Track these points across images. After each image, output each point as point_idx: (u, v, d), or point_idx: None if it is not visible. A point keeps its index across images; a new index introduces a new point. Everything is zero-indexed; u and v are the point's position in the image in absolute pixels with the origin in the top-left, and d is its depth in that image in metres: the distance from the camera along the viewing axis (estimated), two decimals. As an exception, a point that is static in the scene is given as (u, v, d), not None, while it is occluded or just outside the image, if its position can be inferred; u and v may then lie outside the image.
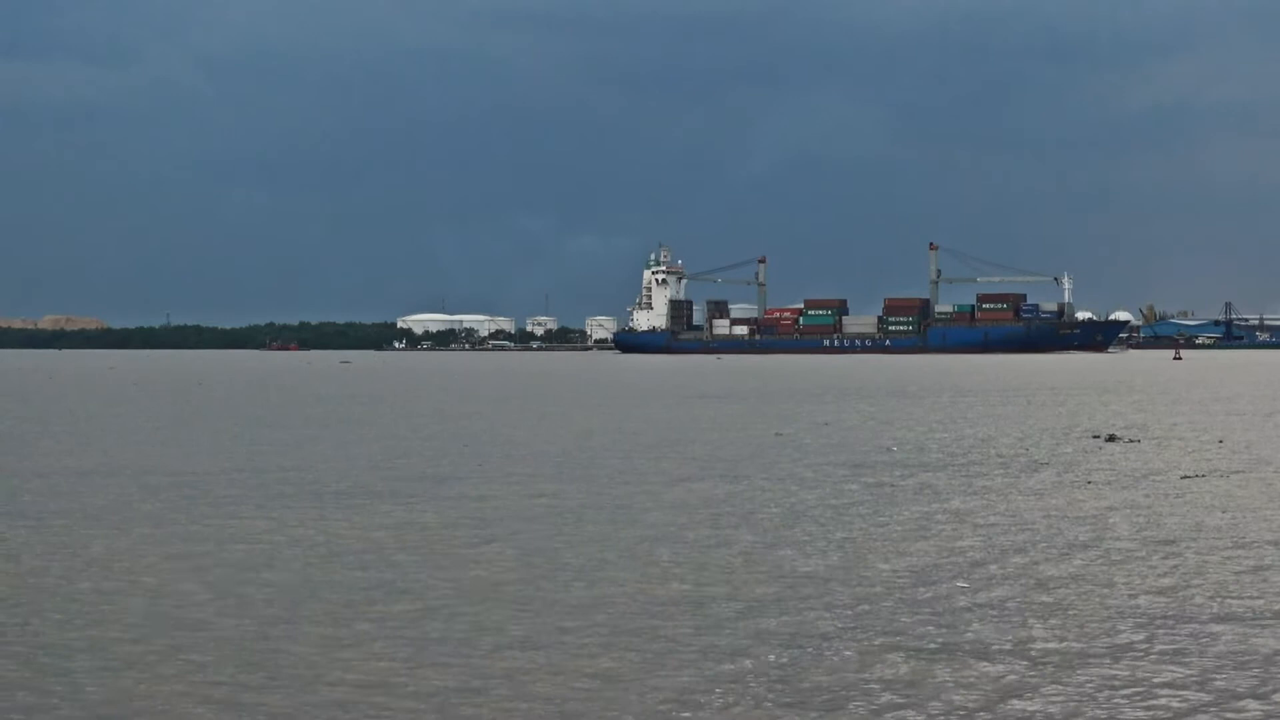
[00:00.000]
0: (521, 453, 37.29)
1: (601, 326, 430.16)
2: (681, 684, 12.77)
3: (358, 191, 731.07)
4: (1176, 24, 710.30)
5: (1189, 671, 13.14)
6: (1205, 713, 11.89)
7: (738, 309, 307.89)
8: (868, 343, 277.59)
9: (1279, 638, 14.42)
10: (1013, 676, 12.97)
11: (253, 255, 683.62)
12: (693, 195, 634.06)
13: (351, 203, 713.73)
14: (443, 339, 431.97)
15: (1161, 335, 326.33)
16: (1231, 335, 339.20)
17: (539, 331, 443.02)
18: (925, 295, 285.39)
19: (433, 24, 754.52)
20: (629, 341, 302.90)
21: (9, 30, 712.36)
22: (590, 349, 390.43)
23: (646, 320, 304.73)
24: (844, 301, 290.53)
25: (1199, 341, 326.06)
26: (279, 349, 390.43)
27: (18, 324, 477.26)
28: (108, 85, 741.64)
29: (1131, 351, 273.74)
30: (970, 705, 12.10)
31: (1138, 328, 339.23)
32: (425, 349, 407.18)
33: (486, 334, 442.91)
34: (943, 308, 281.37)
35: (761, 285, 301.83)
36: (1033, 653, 13.83)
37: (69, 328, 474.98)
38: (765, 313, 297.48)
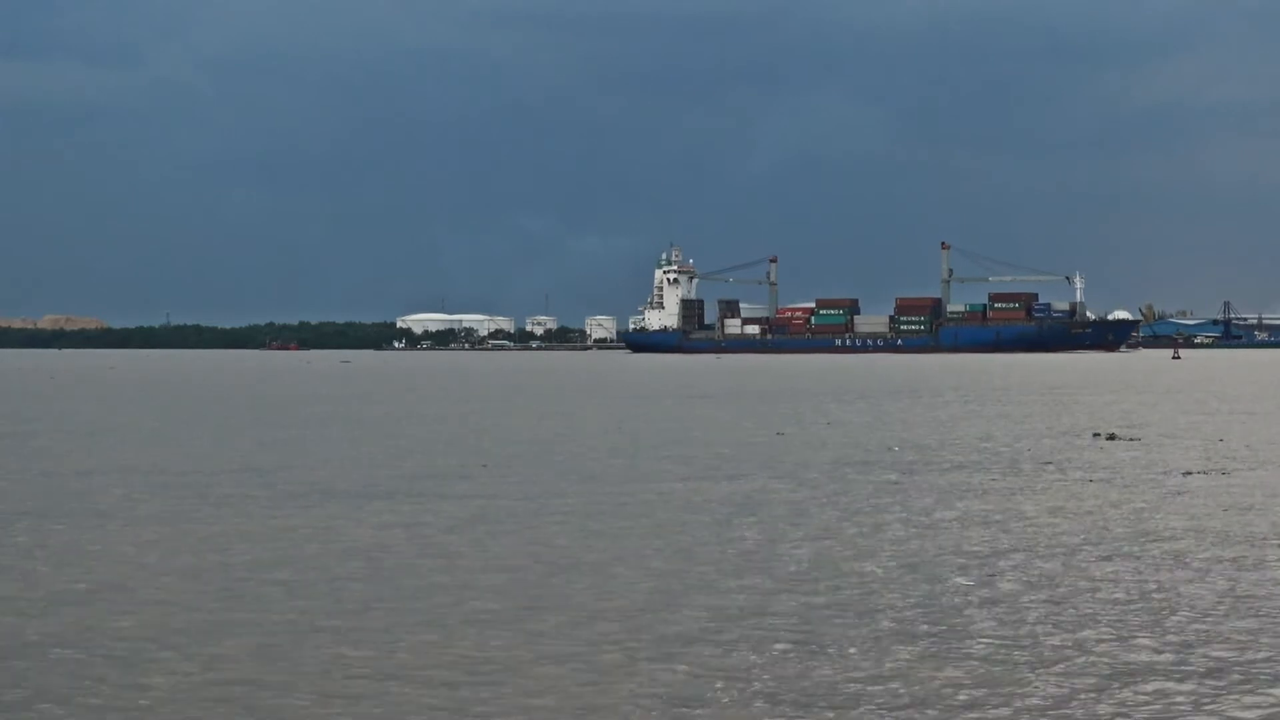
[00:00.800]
0: (529, 452, 37.42)
1: (601, 326, 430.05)
2: (691, 674, 12.92)
3: (357, 191, 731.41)
4: (1176, 24, 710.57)
5: (1190, 670, 13.25)
6: (1206, 712, 12.00)
7: (748, 308, 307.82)
8: (880, 342, 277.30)
9: None
10: (1014, 674, 13.09)
11: (252, 255, 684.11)
12: (693, 196, 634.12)
13: (351, 203, 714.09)
14: (442, 339, 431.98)
15: (1160, 335, 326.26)
16: (1230, 335, 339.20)
17: (538, 331, 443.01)
18: (937, 295, 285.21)
19: (432, 24, 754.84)
20: (640, 341, 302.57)
21: (10, 30, 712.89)
22: (590, 348, 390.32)
23: (658, 320, 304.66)
24: (855, 301, 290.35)
25: (1198, 341, 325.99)
26: (279, 349, 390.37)
27: (17, 324, 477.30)
28: (108, 85, 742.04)
29: (1143, 351, 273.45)
30: (973, 703, 12.23)
31: (1137, 326, 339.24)
32: (425, 349, 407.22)
33: (486, 334, 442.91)
34: (954, 307, 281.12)
35: (773, 285, 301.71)
36: (1034, 651, 13.95)
37: (69, 327, 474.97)
38: (777, 312, 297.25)
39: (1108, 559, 19.22)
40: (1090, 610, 15.82)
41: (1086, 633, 14.69)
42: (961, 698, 12.31)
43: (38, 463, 34.74)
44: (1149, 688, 12.61)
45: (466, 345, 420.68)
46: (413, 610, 16.02)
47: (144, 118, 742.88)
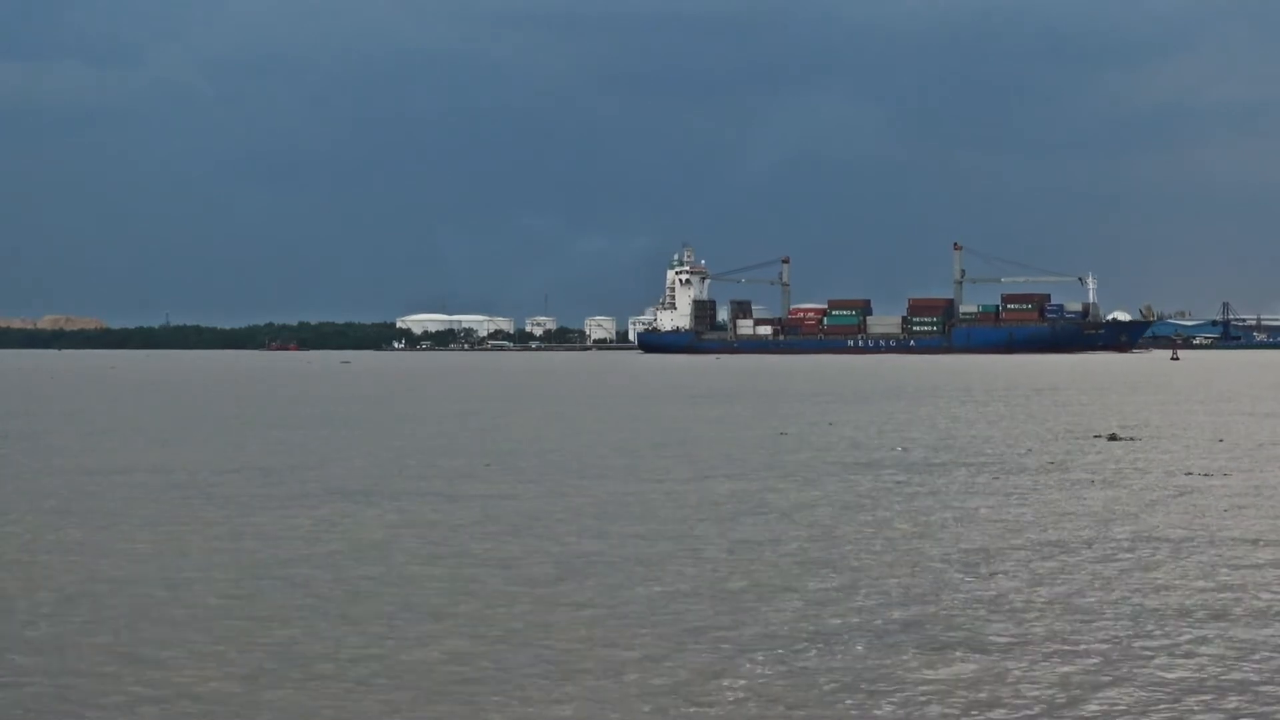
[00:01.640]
0: (539, 453, 37.59)
1: (601, 327, 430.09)
2: (703, 665, 13.11)
3: (357, 192, 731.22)
4: (1175, 24, 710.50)
5: (1194, 669, 13.41)
6: (1211, 711, 12.16)
7: (760, 309, 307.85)
8: (892, 343, 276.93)
9: (1281, 632, 14.74)
10: (1017, 671, 13.25)
11: (252, 256, 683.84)
12: (695, 196, 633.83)
13: (351, 203, 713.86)
14: (442, 339, 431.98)
15: (1159, 335, 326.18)
16: (1229, 335, 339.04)
17: (538, 332, 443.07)
18: (949, 295, 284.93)
19: (433, 24, 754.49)
20: (653, 341, 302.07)
21: (10, 31, 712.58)
22: (589, 349, 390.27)
23: (670, 320, 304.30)
24: (868, 302, 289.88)
25: (1197, 342, 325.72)
26: (278, 349, 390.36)
27: (17, 324, 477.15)
28: (108, 86, 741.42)
29: (1155, 352, 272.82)
30: (977, 701, 12.40)
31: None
32: (424, 349, 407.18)
33: (485, 334, 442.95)
34: (967, 308, 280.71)
35: (785, 285, 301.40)
36: (1037, 649, 14.11)
37: (69, 328, 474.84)
38: (789, 313, 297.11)
39: (1109, 560, 19.38)
40: (1090, 611, 15.99)
41: (1088, 633, 14.87)
42: (967, 695, 12.50)
43: (53, 461, 34.91)
44: (1155, 689, 12.77)
45: (466, 346, 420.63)
46: (416, 608, 16.22)
47: (144, 118, 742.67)
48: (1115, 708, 12.08)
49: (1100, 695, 12.43)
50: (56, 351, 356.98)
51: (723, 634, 14.76)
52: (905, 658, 13.70)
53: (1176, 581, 17.58)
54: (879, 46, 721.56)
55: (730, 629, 15.00)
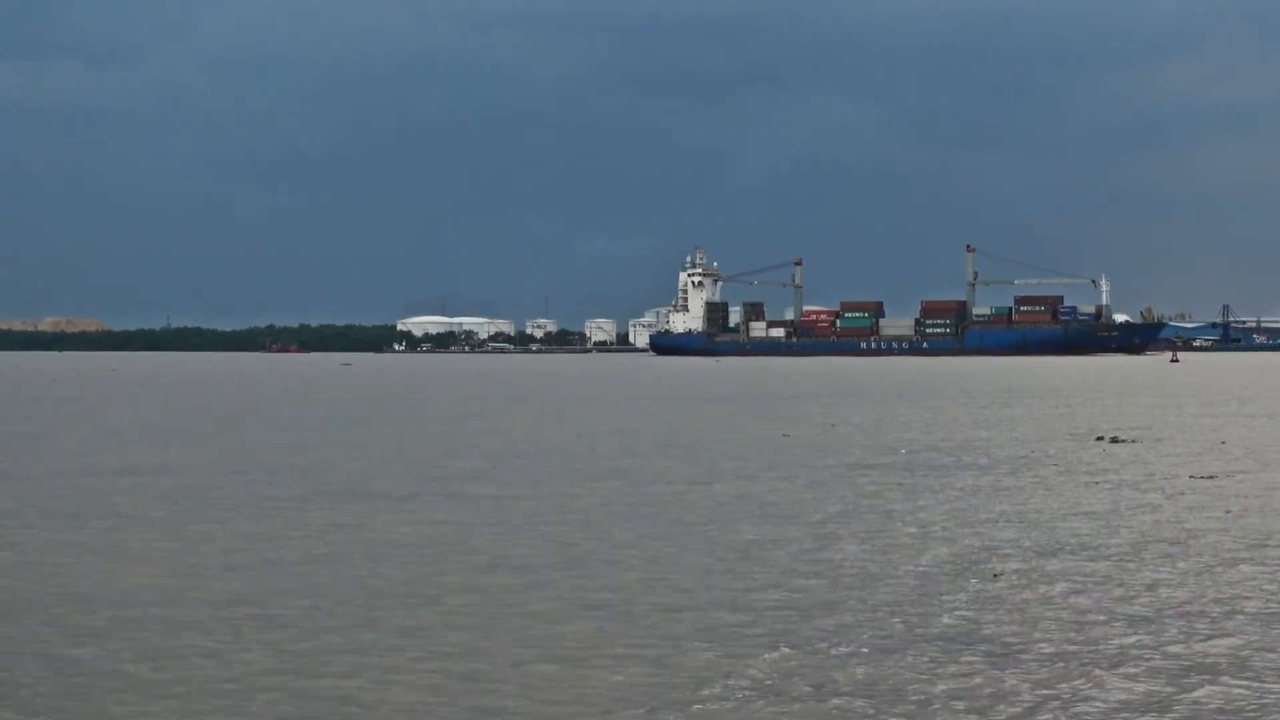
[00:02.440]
0: (550, 454, 37.78)
1: (601, 329, 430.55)
2: (716, 659, 13.29)
3: (358, 194, 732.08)
4: (1175, 25, 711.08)
5: (1198, 668, 13.54)
6: (1214, 711, 12.29)
7: (776, 311, 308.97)
8: (905, 345, 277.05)
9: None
10: (1023, 672, 13.40)
11: (253, 257, 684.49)
12: (696, 198, 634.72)
13: (352, 205, 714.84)
14: (442, 341, 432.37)
15: (1159, 338, 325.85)
16: (1229, 338, 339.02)
17: (538, 334, 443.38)
18: (962, 297, 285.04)
19: (433, 25, 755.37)
20: (665, 344, 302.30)
21: (11, 32, 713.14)
22: (590, 351, 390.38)
23: (683, 322, 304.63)
24: (880, 304, 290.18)
25: (1196, 344, 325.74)
26: (279, 351, 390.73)
27: (18, 326, 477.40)
28: (109, 87, 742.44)
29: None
30: (983, 699, 12.56)
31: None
32: (425, 351, 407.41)
33: (486, 336, 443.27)
34: (980, 310, 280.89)
35: (798, 287, 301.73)
36: (1041, 650, 14.26)
37: (69, 330, 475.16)
38: (802, 315, 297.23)
39: (1113, 559, 19.55)
40: (1093, 611, 16.14)
41: (1091, 633, 15.05)
42: (972, 695, 12.68)
43: (60, 463, 35.08)
44: (1161, 688, 12.91)
45: (466, 348, 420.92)
46: (431, 607, 16.41)
47: (144, 119, 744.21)
48: (1124, 706, 12.22)
49: (1110, 693, 12.59)
50: (57, 353, 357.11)
51: (730, 633, 14.93)
52: (910, 657, 13.86)
53: (1181, 581, 17.73)
54: (880, 48, 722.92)
55: (736, 628, 15.17)
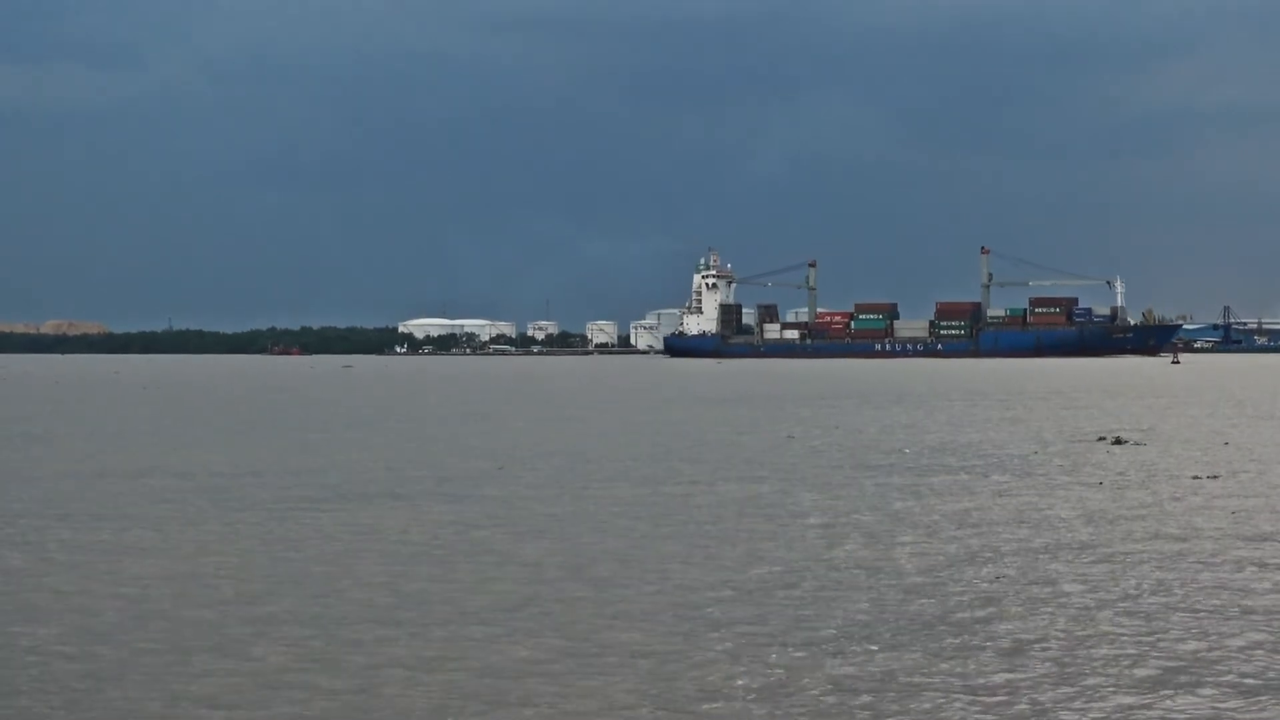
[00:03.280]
0: (557, 456, 37.98)
1: (602, 331, 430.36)
2: (728, 652, 13.50)
3: (359, 196, 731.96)
4: (1175, 27, 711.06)
5: (1203, 668, 13.71)
6: (1221, 710, 12.45)
7: (789, 312, 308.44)
8: (919, 346, 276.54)
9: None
10: (1029, 670, 13.60)
11: (254, 260, 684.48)
12: (697, 201, 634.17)
13: (353, 207, 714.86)
14: (444, 343, 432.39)
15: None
16: (1230, 339, 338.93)
17: (540, 336, 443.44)
18: (977, 299, 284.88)
19: (434, 28, 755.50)
20: (679, 345, 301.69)
21: (13, 35, 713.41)
22: (591, 353, 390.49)
23: (697, 324, 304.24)
24: (894, 305, 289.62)
25: (1197, 346, 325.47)
26: (280, 354, 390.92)
27: (20, 329, 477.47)
28: (110, 89, 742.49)
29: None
30: (988, 699, 12.75)
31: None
32: (426, 353, 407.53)
33: (487, 338, 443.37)
34: (994, 312, 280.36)
35: (812, 289, 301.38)
36: (1046, 649, 14.44)
37: (71, 332, 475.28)
38: (816, 317, 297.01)
39: (1118, 558, 19.74)
40: (1097, 610, 16.32)
41: (1095, 634, 15.25)
42: (979, 693, 12.87)
43: (70, 465, 35.29)
44: (1167, 688, 13.07)
45: (468, 350, 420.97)
46: (450, 606, 16.62)
47: (146, 122, 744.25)
48: (1128, 706, 12.37)
49: (1114, 693, 12.74)
50: (59, 356, 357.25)
51: (741, 631, 15.13)
52: (916, 657, 14.04)
53: (1184, 582, 17.89)
54: (881, 51, 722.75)
55: (743, 627, 15.37)
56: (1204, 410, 61.47)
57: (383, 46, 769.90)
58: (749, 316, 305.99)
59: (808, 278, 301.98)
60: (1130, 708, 12.21)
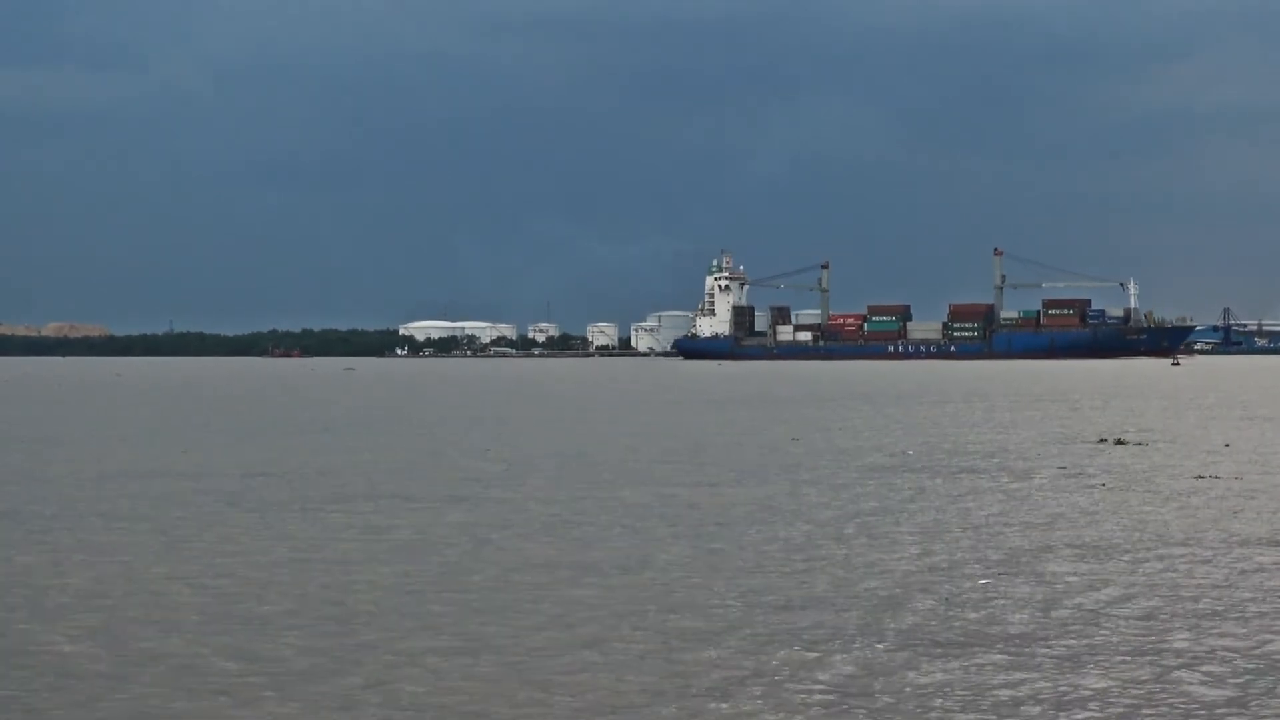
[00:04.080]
0: (564, 457, 38.18)
1: (603, 333, 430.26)
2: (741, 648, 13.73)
3: (360, 198, 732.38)
4: (1175, 28, 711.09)
5: (1208, 669, 13.89)
6: (1226, 711, 12.62)
7: (800, 314, 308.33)
8: (933, 348, 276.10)
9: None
10: (1032, 673, 13.78)
11: (255, 262, 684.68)
12: (697, 203, 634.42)
13: (354, 209, 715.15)
14: (445, 345, 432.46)
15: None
16: (1230, 341, 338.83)
17: (540, 338, 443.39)
18: (990, 301, 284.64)
19: (436, 30, 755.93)
20: (692, 347, 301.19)
21: (17, 37, 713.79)
22: (592, 355, 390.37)
23: (709, 326, 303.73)
24: (907, 307, 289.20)
25: (1197, 347, 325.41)
26: (281, 356, 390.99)
27: (21, 331, 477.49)
28: (112, 92, 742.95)
29: (1198, 358, 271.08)
30: (993, 699, 12.94)
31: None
32: (427, 355, 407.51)
33: (488, 340, 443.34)
34: (1008, 313, 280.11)
35: (825, 291, 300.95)
36: (1053, 652, 14.61)
37: (72, 335, 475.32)
38: (829, 319, 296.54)
39: (1118, 560, 19.92)
40: (1100, 611, 16.49)
41: (1099, 633, 15.42)
42: (984, 694, 13.09)
43: (78, 467, 35.48)
44: (1173, 688, 13.26)
45: (469, 352, 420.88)
46: (470, 607, 16.84)
47: (147, 124, 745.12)
48: (1133, 707, 12.51)
49: (1119, 694, 12.89)
50: (60, 359, 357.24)
51: (745, 632, 15.36)
52: (920, 656, 14.22)
53: (1188, 582, 18.05)
54: (882, 51, 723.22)
55: (747, 628, 15.60)
56: (1205, 412, 61.57)
57: (383, 47, 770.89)
58: (760, 319, 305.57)
59: (820, 280, 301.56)
60: (1132, 707, 12.38)
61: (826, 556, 20.28)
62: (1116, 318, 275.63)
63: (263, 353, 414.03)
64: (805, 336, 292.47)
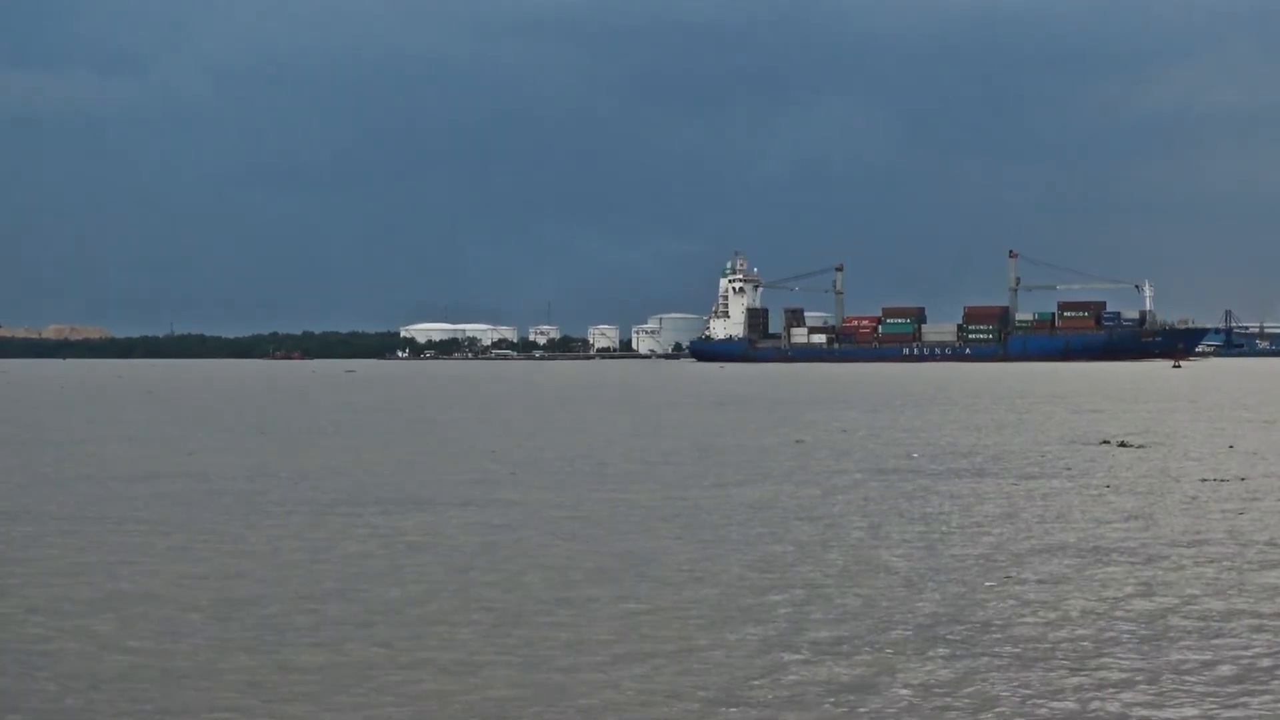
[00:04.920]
0: (573, 459, 38.26)
1: (604, 335, 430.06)
2: (756, 643, 13.84)
3: (361, 201, 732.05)
4: (1175, 30, 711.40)
5: (1212, 668, 13.99)
6: (1227, 712, 12.71)
7: (813, 316, 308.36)
8: (948, 350, 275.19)
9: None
10: (1045, 670, 13.88)
11: (256, 264, 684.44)
12: (696, 204, 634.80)
13: (355, 211, 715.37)
14: (445, 348, 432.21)
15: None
16: (1232, 343, 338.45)
17: (541, 340, 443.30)
18: (1005, 303, 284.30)
19: (436, 32, 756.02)
20: (706, 350, 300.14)
21: (19, 40, 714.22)
22: (593, 358, 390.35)
23: (723, 329, 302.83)
24: (922, 309, 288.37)
25: (1199, 349, 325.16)
26: (282, 358, 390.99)
27: (22, 333, 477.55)
28: (115, 95, 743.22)
29: (1213, 360, 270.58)
30: (997, 699, 13.02)
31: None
32: (428, 357, 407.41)
33: (489, 343, 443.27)
34: (1023, 316, 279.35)
35: (839, 293, 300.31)
36: (1058, 653, 14.70)
37: (73, 337, 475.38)
38: (843, 321, 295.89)
39: (1123, 561, 20.01)
40: (1108, 612, 16.59)
41: (1107, 633, 15.51)
42: (987, 694, 13.18)
43: (85, 469, 35.57)
44: (1176, 688, 13.35)
45: (470, 354, 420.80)
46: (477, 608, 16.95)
47: (150, 127, 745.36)
48: (1136, 707, 12.60)
49: (1122, 693, 12.99)
50: (61, 361, 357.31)
51: (749, 632, 15.46)
52: (926, 656, 14.32)
53: (1195, 583, 18.13)
54: (883, 55, 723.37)
55: (750, 629, 15.70)
56: (1207, 414, 61.62)
57: (384, 50, 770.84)
58: (774, 321, 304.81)
59: (834, 281, 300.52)
60: (1133, 708, 12.45)
61: (827, 557, 20.37)
62: (1132, 320, 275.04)
63: (264, 355, 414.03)
64: (820, 339, 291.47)
